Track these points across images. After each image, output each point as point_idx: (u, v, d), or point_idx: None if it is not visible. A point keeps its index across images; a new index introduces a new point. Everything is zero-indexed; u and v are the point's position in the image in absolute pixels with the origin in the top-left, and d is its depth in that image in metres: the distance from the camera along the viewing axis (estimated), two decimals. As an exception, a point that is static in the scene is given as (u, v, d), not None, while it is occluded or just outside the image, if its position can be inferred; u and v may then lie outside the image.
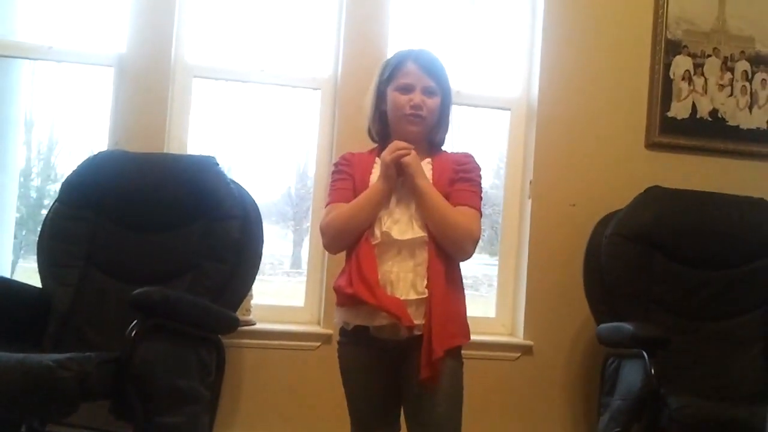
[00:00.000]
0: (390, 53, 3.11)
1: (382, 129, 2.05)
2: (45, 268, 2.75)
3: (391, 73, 2.01)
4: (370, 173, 1.99)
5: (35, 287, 2.73)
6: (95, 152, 2.92)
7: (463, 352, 1.97)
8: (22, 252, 3.35)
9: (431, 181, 1.94)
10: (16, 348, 2.23)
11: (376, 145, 2.10)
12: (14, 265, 3.29)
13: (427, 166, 1.99)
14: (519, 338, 3.22)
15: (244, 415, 3.01)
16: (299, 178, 3.45)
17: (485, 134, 3.57)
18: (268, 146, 3.39)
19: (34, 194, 3.42)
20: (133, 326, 2.19)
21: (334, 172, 2.06)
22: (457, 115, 3.42)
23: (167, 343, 2.35)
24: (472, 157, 2.04)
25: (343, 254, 2.00)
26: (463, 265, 1.98)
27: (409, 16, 3.32)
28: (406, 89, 1.98)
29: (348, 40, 3.16)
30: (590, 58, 3.30)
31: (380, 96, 2.04)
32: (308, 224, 3.28)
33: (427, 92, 1.98)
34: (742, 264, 2.99)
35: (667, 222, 2.99)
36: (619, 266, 2.93)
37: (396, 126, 2.01)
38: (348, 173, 2.01)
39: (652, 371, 2.42)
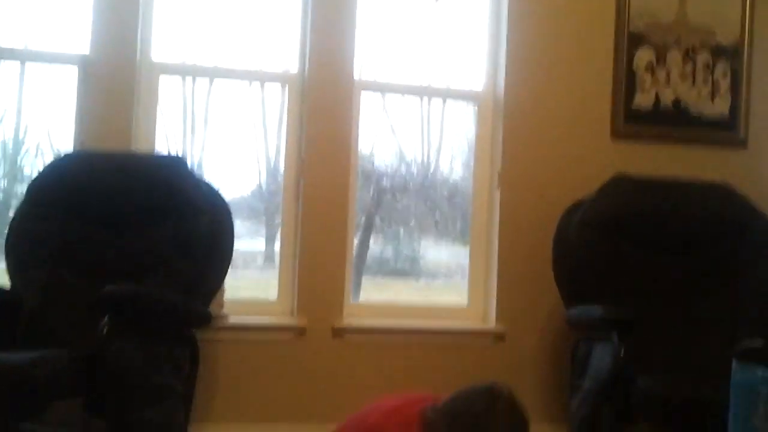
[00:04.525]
0: (357, 48, 3.17)
1: None
2: (13, 268, 2.72)
3: None
4: None
5: (4, 288, 2.70)
6: (62, 152, 2.90)
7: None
8: (-11, 253, 3.29)
9: None
10: (-14, 348, 2.22)
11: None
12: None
13: None
14: (491, 325, 3.26)
15: (219, 408, 3.00)
16: (270, 174, 3.45)
17: (454, 126, 3.61)
18: (238, 142, 3.39)
19: (0, 195, 3.37)
20: (105, 323, 2.19)
21: None
22: (426, 107, 3.47)
23: (139, 339, 2.33)
24: None
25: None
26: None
27: (375, 11, 3.34)
28: None
29: (314, 35, 3.17)
30: (555, 51, 3.35)
31: None
32: (279, 219, 3.28)
33: None
34: (708, 248, 3.06)
35: (632, 209, 3.04)
36: (586, 254, 2.97)
37: None
38: None
39: (622, 353, 2.47)
